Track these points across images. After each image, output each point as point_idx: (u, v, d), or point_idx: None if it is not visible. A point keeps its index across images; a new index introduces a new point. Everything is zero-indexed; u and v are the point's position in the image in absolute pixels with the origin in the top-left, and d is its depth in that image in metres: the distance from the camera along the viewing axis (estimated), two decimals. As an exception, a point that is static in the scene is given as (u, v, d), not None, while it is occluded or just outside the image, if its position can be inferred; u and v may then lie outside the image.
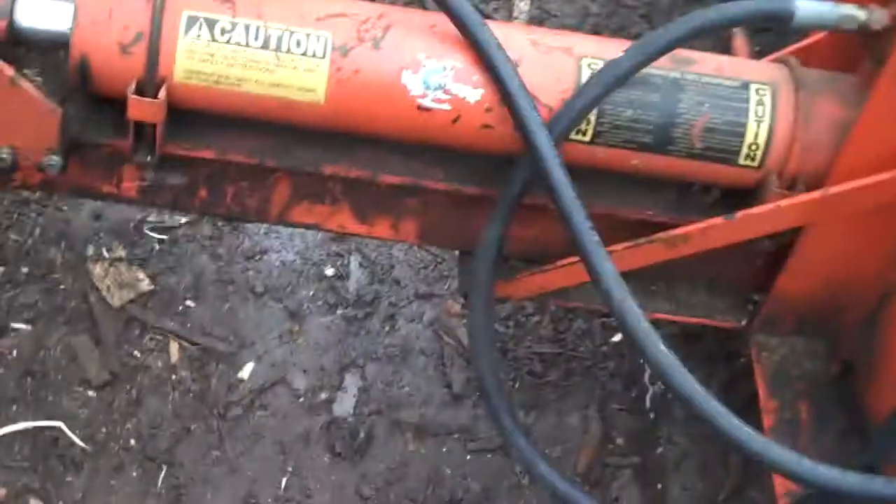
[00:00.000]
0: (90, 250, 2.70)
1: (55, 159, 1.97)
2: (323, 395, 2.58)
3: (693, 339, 2.51)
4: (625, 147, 1.95)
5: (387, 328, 2.70)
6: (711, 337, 2.49)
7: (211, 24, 1.88)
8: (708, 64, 1.96)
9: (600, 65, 1.91)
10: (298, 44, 1.89)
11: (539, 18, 3.33)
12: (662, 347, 1.77)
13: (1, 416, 2.45)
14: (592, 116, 1.92)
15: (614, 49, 1.93)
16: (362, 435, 2.52)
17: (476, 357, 2.11)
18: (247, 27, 1.88)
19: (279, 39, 1.89)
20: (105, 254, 2.70)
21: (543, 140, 1.85)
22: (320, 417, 2.55)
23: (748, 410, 2.21)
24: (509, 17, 3.33)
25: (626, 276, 1.85)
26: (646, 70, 1.91)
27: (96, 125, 2.00)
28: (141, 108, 1.89)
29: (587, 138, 1.94)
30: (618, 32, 3.31)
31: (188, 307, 2.66)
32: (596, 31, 3.32)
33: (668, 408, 2.56)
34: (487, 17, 3.30)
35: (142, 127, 1.94)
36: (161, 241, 2.74)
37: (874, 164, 1.91)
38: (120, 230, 2.75)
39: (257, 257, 2.77)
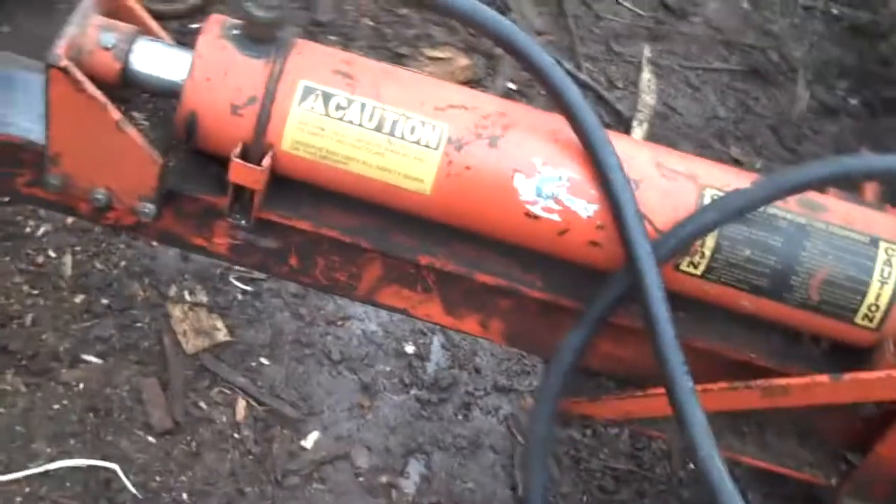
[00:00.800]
0: (172, 291, 2.66)
1: (150, 207, 1.93)
2: (384, 478, 2.50)
3: (776, 476, 2.38)
4: (737, 287, 1.85)
5: (459, 417, 2.61)
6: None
7: (327, 97, 1.81)
8: (838, 213, 1.85)
9: (723, 197, 1.82)
10: (413, 131, 1.82)
11: (663, 114, 3.24)
12: None
13: (58, 448, 2.40)
14: (708, 250, 1.82)
15: (741, 182, 1.83)
16: (419, 526, 2.44)
17: (527, 466, 2.01)
18: (363, 106, 1.82)
19: (394, 123, 1.82)
20: (187, 297, 2.65)
21: (651, 274, 1.76)
22: (378, 501, 2.46)
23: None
24: (634, 109, 3.25)
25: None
26: (772, 211, 1.81)
27: (196, 178, 1.95)
28: (243, 173, 1.83)
29: (699, 271, 1.84)
30: (742, 140, 3.21)
31: (262, 364, 2.61)
32: (720, 136, 3.22)
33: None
34: (608, 104, 3.25)
35: (241, 189, 1.88)
36: (245, 293, 2.69)
37: None
38: (205, 275, 2.70)
39: (339, 323, 2.70)
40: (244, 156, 1.83)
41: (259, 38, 1.82)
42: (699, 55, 3.45)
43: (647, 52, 3.35)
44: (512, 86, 3.25)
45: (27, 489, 2.34)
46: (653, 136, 3.18)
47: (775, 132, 3.24)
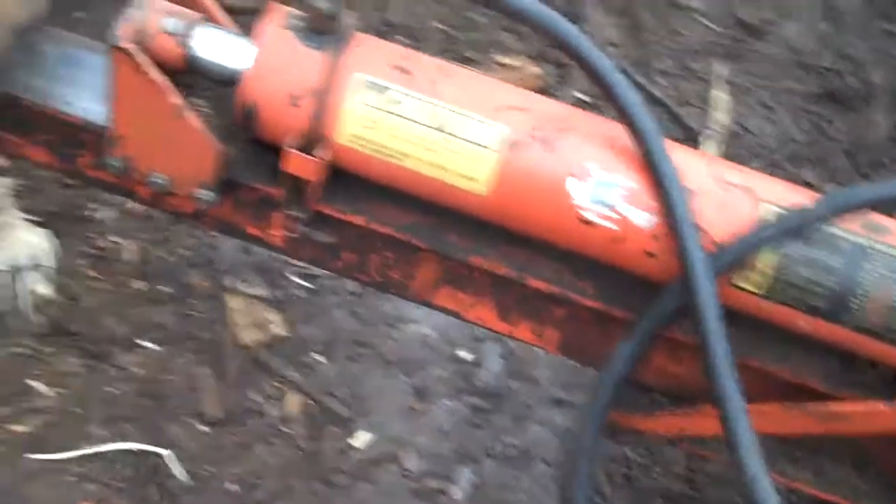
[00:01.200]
0: (231, 282, 2.66)
1: (209, 194, 1.93)
2: (434, 483, 2.47)
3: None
4: (794, 306, 1.80)
5: (513, 427, 2.58)
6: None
7: (383, 91, 1.80)
8: (903, 236, 1.79)
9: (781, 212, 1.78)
10: (469, 129, 1.79)
11: (735, 133, 3.18)
12: None
13: (111, 431, 2.41)
14: (765, 267, 1.77)
15: (798, 198, 1.78)
16: (467, 534, 2.41)
17: (570, 479, 1.96)
18: (419, 102, 1.80)
19: (450, 121, 1.79)
20: (245, 289, 2.65)
21: (706, 288, 1.71)
22: (426, 505, 2.45)
23: None
24: (704, 126, 3.20)
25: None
26: (832, 230, 1.76)
27: (254, 168, 1.94)
28: (298, 164, 1.82)
29: (754, 288, 1.79)
30: (815, 164, 3.14)
31: (316, 361, 2.60)
32: (794, 158, 3.16)
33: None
34: (678, 119, 3.20)
35: (297, 181, 1.87)
36: (303, 288, 2.69)
37: None
38: (265, 268, 2.71)
39: (396, 325, 2.69)
40: (301, 147, 1.82)
41: (320, 29, 1.81)
42: (774, 75, 3.39)
43: (720, 69, 3.29)
44: (583, 97, 3.21)
45: (79, 469, 2.36)
46: (725, 155, 3.12)
47: (851, 157, 3.16)
